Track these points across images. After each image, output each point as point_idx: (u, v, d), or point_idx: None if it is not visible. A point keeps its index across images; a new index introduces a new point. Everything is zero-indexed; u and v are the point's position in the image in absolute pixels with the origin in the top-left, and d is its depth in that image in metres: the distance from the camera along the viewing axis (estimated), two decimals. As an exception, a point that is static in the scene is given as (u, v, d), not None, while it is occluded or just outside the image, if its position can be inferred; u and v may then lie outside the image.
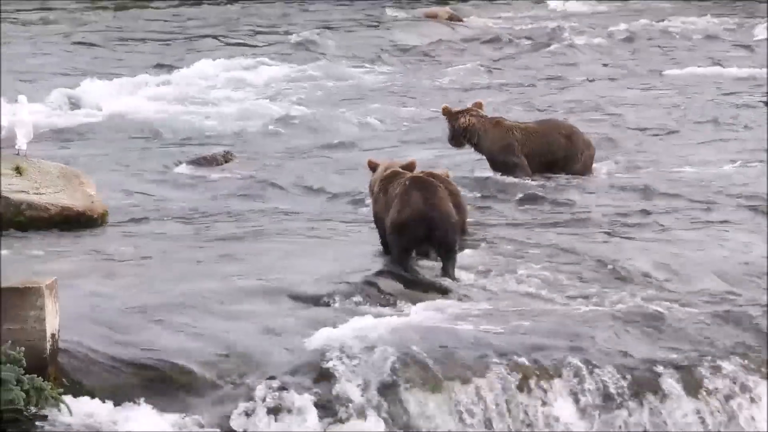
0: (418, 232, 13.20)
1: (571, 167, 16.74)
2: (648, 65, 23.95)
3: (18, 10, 31.90)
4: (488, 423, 11.14)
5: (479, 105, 17.24)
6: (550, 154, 16.74)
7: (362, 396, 11.04)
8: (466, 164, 17.73)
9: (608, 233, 14.86)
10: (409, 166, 13.94)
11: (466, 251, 13.97)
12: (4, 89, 21.10)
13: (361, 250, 14.13)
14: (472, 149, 17.18)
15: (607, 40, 26.26)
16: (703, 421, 11.46)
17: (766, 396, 11.61)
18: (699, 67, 23.98)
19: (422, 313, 12.34)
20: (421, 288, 13.05)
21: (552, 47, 25.56)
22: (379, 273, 13.32)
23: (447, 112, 17.02)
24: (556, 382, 11.43)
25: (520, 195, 16.20)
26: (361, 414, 10.94)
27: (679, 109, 20.87)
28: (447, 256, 13.25)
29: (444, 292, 12.98)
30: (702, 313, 12.62)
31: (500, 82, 22.83)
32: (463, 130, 16.80)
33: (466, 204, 14.16)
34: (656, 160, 17.92)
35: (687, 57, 24.81)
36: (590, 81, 22.81)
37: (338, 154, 18.63)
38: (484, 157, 17.28)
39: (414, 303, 12.59)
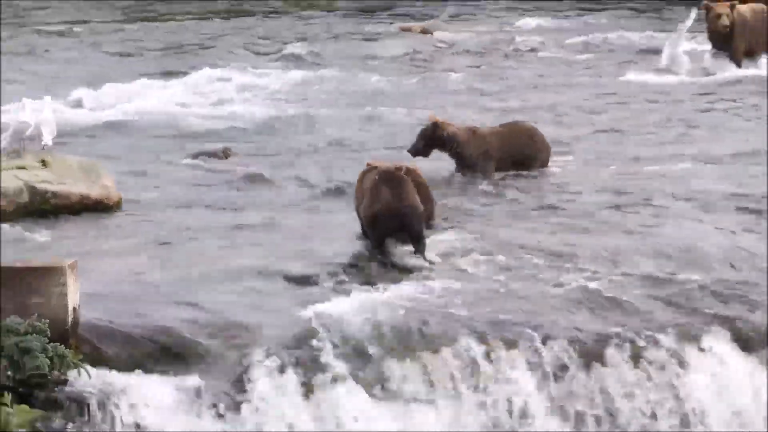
0: (388, 224, 13.21)
1: (532, 164, 16.74)
2: (601, 72, 23.86)
3: (47, 23, 31.80)
4: (455, 388, 11.20)
5: (431, 117, 17.02)
6: (519, 154, 16.71)
7: (344, 362, 11.09)
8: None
9: (562, 223, 14.87)
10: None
11: (437, 236, 13.98)
12: (32, 91, 21.06)
13: (347, 236, 14.05)
14: (446, 154, 16.95)
15: (564, 52, 26.15)
16: (642, 387, 11.55)
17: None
18: (647, 73, 23.76)
19: (398, 290, 12.34)
20: (396, 269, 13.04)
21: (513, 57, 25.42)
22: (361, 256, 13.35)
23: (436, 122, 16.77)
24: (515, 352, 11.47)
25: (484, 189, 16.20)
26: (342, 379, 11.00)
27: (629, 111, 20.78)
28: (417, 242, 13.29)
29: (417, 272, 12.97)
30: (643, 293, 12.65)
31: (467, 86, 22.79)
32: (449, 138, 16.59)
33: (432, 194, 14.01)
34: (607, 157, 17.90)
35: (638, 66, 24.63)
36: (546, 86, 22.74)
37: (329, 150, 18.57)
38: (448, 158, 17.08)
39: (391, 282, 12.56)
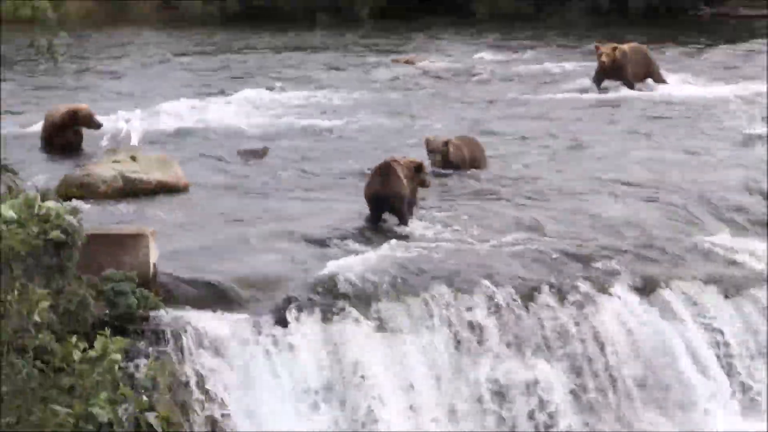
0: (377, 204, 13.25)
1: (478, 165, 16.49)
2: (535, 92, 23.71)
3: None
4: (431, 322, 11.22)
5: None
6: (473, 158, 16.49)
7: (351, 305, 11.12)
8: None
9: (508, 200, 14.82)
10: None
11: (422, 212, 13.94)
12: (125, 104, 21.07)
13: (353, 209, 13.92)
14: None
15: (514, 77, 26.03)
16: (566, 322, 11.59)
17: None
18: (573, 93, 23.65)
19: (390, 250, 12.32)
20: (390, 235, 12.96)
21: (473, 80, 25.33)
22: (363, 226, 13.28)
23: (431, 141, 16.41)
24: (474, 296, 11.50)
25: (453, 180, 16.07)
26: (350, 316, 11.05)
27: (558, 124, 20.60)
28: (400, 217, 13.24)
29: (403, 238, 12.89)
30: (569, 251, 12.63)
31: (440, 102, 22.76)
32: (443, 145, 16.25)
33: (417, 182, 13.82)
34: (534, 158, 17.64)
35: (567, 86, 24.51)
36: (494, 102, 22.62)
37: (344, 146, 18.43)
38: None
39: (385, 245, 12.53)
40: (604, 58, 22.79)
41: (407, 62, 28.45)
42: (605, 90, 23.11)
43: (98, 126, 17.68)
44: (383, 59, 29.08)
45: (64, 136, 17.60)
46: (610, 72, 22.99)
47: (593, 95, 22.80)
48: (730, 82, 24.08)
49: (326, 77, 26.09)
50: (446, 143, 16.19)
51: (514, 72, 26.58)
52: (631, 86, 23.03)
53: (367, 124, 20.28)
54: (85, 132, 17.80)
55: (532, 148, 18.21)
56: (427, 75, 26.52)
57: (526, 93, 23.45)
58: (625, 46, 23.43)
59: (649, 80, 23.50)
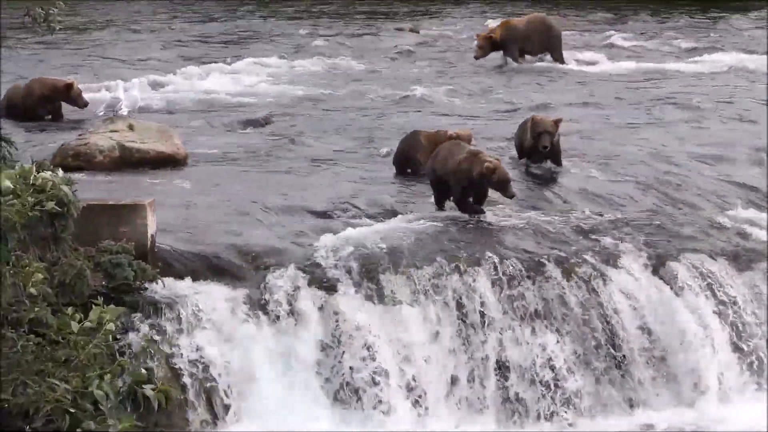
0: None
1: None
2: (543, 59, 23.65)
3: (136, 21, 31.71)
4: (432, 296, 11.22)
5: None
6: None
7: (349, 277, 11.15)
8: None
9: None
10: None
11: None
12: (124, 74, 21.11)
13: (357, 181, 13.99)
14: None
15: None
16: (572, 293, 11.59)
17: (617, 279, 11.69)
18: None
19: (390, 224, 12.31)
20: (389, 208, 12.92)
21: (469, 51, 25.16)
22: (367, 198, 13.21)
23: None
24: (479, 268, 11.48)
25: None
26: (351, 288, 11.08)
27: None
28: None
29: (407, 213, 12.73)
30: (572, 225, 12.60)
31: (443, 71, 22.83)
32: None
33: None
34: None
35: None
36: (501, 69, 22.69)
37: (348, 116, 18.45)
38: None
39: (384, 218, 12.53)
40: (475, 54, 22.87)
41: (411, 30, 28.43)
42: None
43: (84, 105, 17.79)
44: (387, 27, 29.05)
45: (47, 108, 17.74)
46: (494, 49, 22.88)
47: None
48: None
49: (329, 45, 26.06)
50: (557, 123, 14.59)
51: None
52: (516, 61, 22.92)
53: (370, 93, 20.28)
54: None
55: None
56: (430, 44, 26.50)
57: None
58: (518, 20, 23.31)
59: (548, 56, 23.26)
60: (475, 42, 23.35)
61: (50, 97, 17.78)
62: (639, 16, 31.49)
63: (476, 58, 23.01)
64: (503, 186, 12.22)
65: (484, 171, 12.16)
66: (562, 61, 22.97)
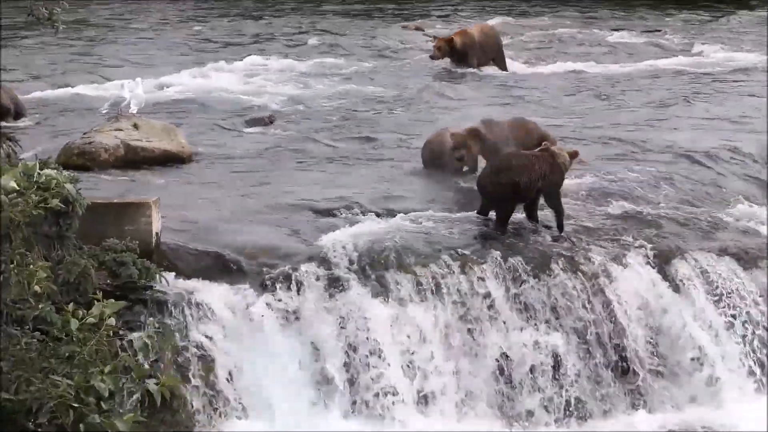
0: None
1: None
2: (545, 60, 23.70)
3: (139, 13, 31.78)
4: (438, 292, 11.26)
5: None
6: None
7: (352, 274, 11.18)
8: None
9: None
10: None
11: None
12: (128, 73, 21.12)
13: (360, 181, 14.00)
14: None
15: (518, 41, 26.01)
16: (577, 290, 11.61)
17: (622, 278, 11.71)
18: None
19: (394, 223, 12.29)
20: (393, 206, 12.90)
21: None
22: (371, 195, 13.25)
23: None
24: (484, 266, 11.51)
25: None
26: (350, 285, 11.10)
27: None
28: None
29: (411, 209, 12.75)
30: (577, 223, 12.62)
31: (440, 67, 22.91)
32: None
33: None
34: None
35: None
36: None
37: (352, 114, 18.49)
38: None
39: (389, 216, 12.50)
40: (432, 54, 23.14)
41: (417, 28, 28.46)
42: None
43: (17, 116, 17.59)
44: (392, 25, 29.07)
45: None
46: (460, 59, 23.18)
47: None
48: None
49: (334, 43, 26.08)
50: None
51: (529, 37, 26.55)
52: (477, 68, 23.21)
53: (375, 91, 20.30)
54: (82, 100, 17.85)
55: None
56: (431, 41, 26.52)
57: (533, 60, 23.50)
58: (474, 29, 23.58)
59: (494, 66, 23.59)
60: (433, 44, 23.65)
61: None
62: (636, 13, 31.52)
63: (432, 58, 23.46)
64: None
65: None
66: (505, 69, 23.47)
